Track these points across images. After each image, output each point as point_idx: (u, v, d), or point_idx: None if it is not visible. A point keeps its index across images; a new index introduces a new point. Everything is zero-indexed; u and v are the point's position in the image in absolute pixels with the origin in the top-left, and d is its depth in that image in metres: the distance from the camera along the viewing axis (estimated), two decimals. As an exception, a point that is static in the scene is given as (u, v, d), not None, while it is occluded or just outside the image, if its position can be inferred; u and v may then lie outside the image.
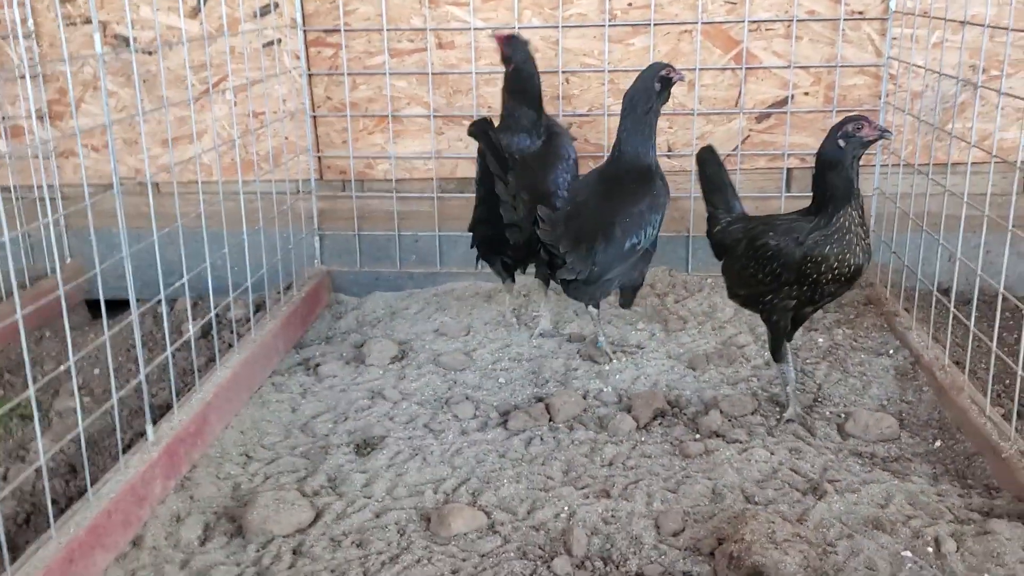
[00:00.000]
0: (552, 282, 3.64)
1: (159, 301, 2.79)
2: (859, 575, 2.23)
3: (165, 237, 2.88)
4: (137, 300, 2.68)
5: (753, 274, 2.98)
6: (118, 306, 3.22)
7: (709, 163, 3.32)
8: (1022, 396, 2.95)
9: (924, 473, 2.72)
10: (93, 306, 4.33)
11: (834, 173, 2.80)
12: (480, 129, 3.24)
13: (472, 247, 3.73)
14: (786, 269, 2.87)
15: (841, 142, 2.77)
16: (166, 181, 4.28)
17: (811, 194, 2.93)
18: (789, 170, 4.16)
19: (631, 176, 3.38)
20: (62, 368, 2.34)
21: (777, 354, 3.09)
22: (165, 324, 2.88)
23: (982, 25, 2.96)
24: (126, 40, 4.03)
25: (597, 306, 3.54)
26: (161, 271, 2.80)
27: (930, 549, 2.32)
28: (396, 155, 4.24)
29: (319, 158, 4.30)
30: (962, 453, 2.83)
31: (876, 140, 2.76)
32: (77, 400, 2.43)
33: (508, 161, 3.28)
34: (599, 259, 3.31)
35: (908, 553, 2.31)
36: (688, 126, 4.08)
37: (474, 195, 3.75)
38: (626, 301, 3.63)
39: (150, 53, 4.02)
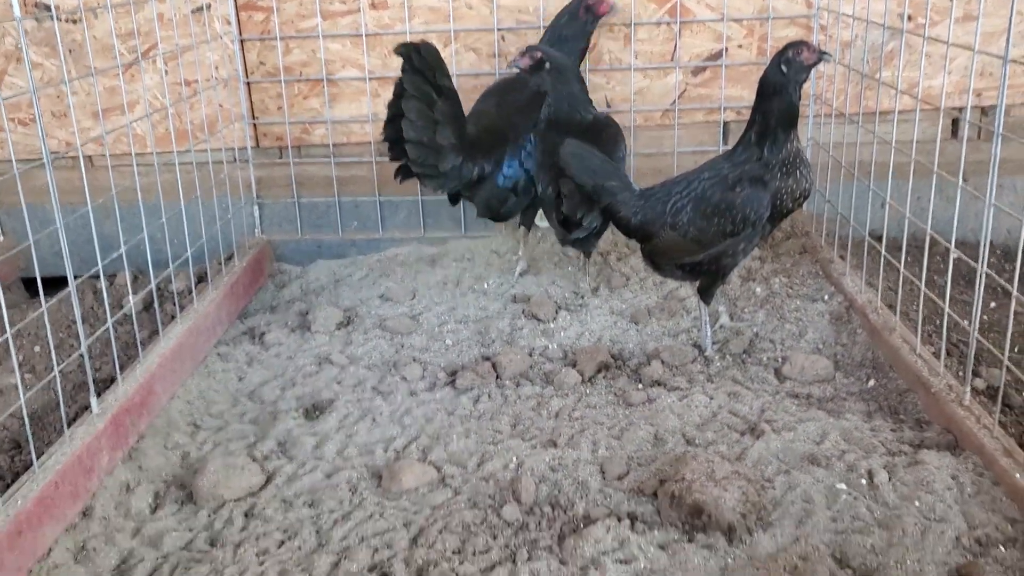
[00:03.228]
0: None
1: (97, 276, 2.76)
2: (796, 508, 2.31)
3: (101, 211, 2.84)
4: (76, 276, 2.65)
5: (720, 231, 2.96)
6: (57, 284, 3.17)
7: (585, 156, 3.10)
8: (949, 333, 3.06)
9: (858, 411, 2.81)
10: (31, 285, 4.26)
11: (778, 99, 2.89)
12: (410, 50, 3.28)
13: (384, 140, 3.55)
14: (759, 210, 2.92)
15: (784, 67, 2.87)
16: (100, 154, 4.21)
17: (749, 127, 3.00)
18: (726, 123, 4.21)
19: (595, 130, 3.49)
20: (-1, 341, 2.32)
21: (712, 298, 3.21)
22: (105, 297, 2.85)
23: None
24: (48, 8, 3.93)
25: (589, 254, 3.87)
26: (99, 245, 2.76)
27: (864, 481, 2.41)
28: (333, 119, 4.21)
29: (255, 125, 4.25)
30: (894, 390, 2.93)
31: (816, 63, 2.86)
32: (17, 374, 2.40)
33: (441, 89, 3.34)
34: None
35: (843, 485, 2.39)
36: (625, 81, 4.11)
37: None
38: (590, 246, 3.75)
39: (75, 22, 3.92)
